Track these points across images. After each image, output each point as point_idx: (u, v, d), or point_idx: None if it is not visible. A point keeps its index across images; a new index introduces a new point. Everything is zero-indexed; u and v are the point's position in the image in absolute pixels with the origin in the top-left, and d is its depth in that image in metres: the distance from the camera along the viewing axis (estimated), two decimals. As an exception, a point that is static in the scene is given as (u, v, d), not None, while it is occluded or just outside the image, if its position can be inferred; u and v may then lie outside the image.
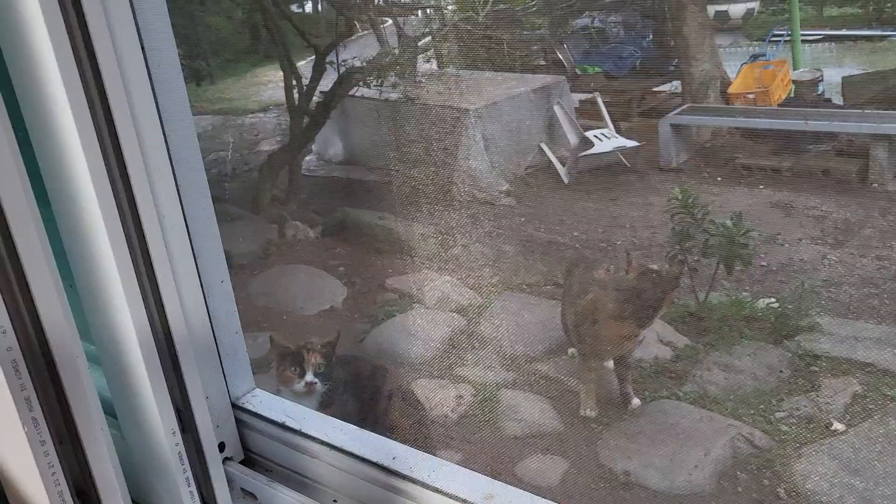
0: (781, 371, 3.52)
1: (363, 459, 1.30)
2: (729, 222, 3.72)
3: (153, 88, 1.19)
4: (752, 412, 3.25)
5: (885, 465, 2.82)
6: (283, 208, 4.78)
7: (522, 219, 6.14)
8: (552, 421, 3.26)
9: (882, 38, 14.86)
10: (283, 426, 1.40)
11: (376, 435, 1.38)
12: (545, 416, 3.28)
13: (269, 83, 10.90)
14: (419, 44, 7.20)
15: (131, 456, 1.29)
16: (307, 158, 6.61)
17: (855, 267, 4.79)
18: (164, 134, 1.21)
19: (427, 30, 7.52)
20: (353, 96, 6.20)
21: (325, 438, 1.35)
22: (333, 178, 7.18)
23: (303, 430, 1.38)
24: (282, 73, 6.32)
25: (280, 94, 9.47)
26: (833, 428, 3.10)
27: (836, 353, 3.59)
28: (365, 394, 2.89)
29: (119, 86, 1.10)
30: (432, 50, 7.40)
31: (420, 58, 7.35)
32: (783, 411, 3.24)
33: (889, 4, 16.35)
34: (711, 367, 3.59)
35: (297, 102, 5.56)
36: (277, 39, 5.54)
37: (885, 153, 6.33)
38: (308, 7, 11.83)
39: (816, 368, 3.48)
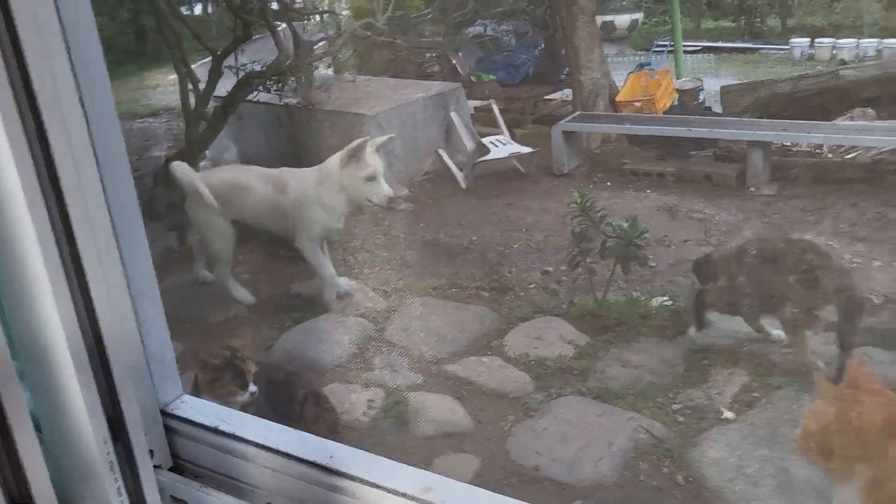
0: (677, 365, 3.71)
1: (300, 459, 1.31)
2: (625, 224, 3.88)
3: (80, 92, 1.17)
4: (650, 405, 3.41)
5: (771, 449, 3.03)
6: (182, 215, 4.66)
7: (422, 224, 6.20)
8: (463, 420, 3.32)
9: (753, 50, 15.84)
10: (215, 430, 1.39)
11: (313, 435, 1.39)
12: (456, 416, 3.34)
13: (157, 87, 10.57)
14: (316, 49, 7.16)
15: (58, 467, 1.26)
16: (201, 164, 6.46)
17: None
18: (90, 136, 1.19)
19: (323, 35, 7.49)
20: (250, 101, 6.10)
21: (260, 441, 1.35)
22: (230, 185, 7.05)
23: (237, 434, 1.37)
24: (171, 77, 6.14)
25: (170, 98, 9.21)
26: (724, 417, 3.30)
27: (725, 346, 3.80)
28: (279, 400, 2.87)
29: (49, 87, 1.08)
30: (330, 56, 7.37)
31: (320, 63, 7.32)
32: (679, 403, 3.42)
33: (758, 20, 17.42)
34: (612, 364, 3.74)
35: (193, 107, 5.42)
36: (172, 42, 5.38)
37: (760, 158, 6.73)
38: (197, 9, 11.55)
39: (708, 362, 3.69)
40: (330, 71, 7.76)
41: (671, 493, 2.89)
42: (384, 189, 4.22)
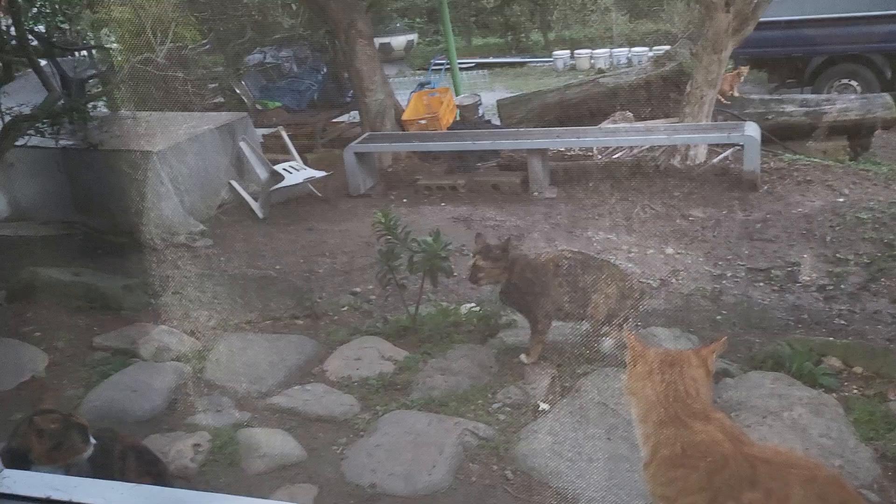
0: (491, 366, 3.90)
1: (151, 514, 1.29)
2: (429, 239, 4.02)
3: None
4: (473, 408, 3.55)
5: (584, 431, 3.28)
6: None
7: (223, 258, 6.05)
8: (295, 451, 3.29)
9: (521, 64, 16.90)
10: (46, 502, 1.33)
11: (159, 487, 1.37)
12: (287, 448, 3.30)
13: None
14: (89, 86, 6.77)
15: None
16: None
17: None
18: None
19: (94, 71, 7.09)
20: (20, 146, 5.63)
21: (101, 503, 1.31)
22: (2, 237, 6.47)
23: (72, 500, 1.32)
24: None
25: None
26: (540, 409, 3.52)
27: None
28: (94, 461, 2.71)
29: None
30: (107, 93, 6.99)
31: (98, 102, 6.91)
32: (498, 402, 3.60)
33: (523, 35, 18.63)
34: (432, 374, 3.86)
35: (-47, 158, 4.92)
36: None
37: (539, 165, 7.20)
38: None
39: (519, 360, 3.91)
40: (107, 109, 7.35)
41: (503, 489, 3.04)
42: None
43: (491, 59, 16.94)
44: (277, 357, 4.08)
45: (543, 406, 3.54)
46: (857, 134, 8.13)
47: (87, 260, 5.75)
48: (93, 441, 2.64)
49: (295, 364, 4.06)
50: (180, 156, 6.69)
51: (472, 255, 3.89)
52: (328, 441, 3.40)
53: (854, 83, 9.96)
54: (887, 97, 8.22)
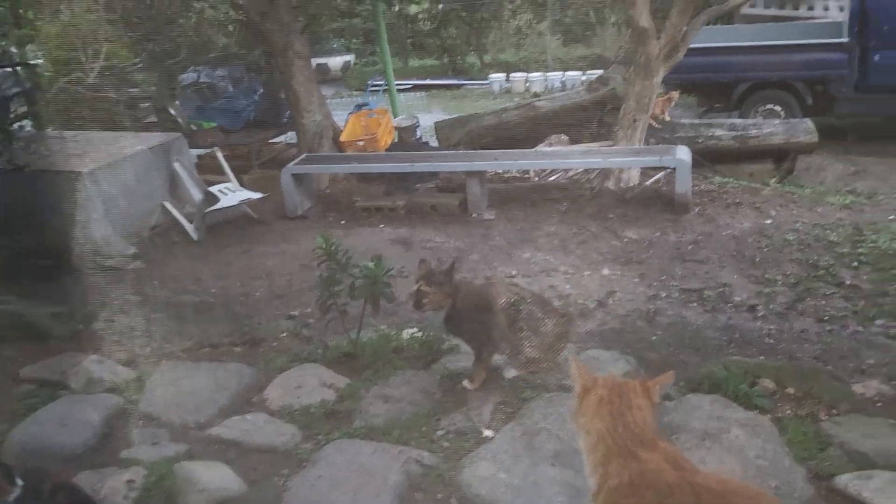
0: (434, 393, 3.88)
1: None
2: (371, 264, 3.99)
3: None
4: (416, 435, 3.52)
5: (529, 457, 3.28)
6: None
7: (156, 282, 5.90)
8: (235, 484, 3.20)
9: (458, 86, 17.04)
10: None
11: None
12: (226, 481, 3.20)
13: None
14: (14, 104, 6.55)
15: None
16: None
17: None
18: None
19: (19, 89, 6.87)
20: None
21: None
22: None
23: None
24: None
25: None
26: (484, 435, 3.52)
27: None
28: (22, 501, 2.60)
29: None
30: (32, 113, 6.77)
31: (25, 121, 6.69)
32: (442, 429, 3.57)
33: (459, 57, 18.80)
34: (374, 401, 3.81)
35: None
36: None
37: (477, 187, 7.25)
38: None
39: (462, 386, 3.90)
40: (33, 127, 7.11)
41: (448, 517, 3.02)
42: None
43: (428, 81, 17.03)
44: (216, 386, 3.97)
45: (487, 432, 3.53)
46: (782, 157, 8.45)
47: (12, 286, 5.54)
48: (19, 482, 2.52)
49: (234, 393, 3.96)
50: (111, 176, 6.53)
51: (416, 280, 3.86)
52: (270, 473, 3.32)
53: (778, 108, 10.36)
54: (809, 122, 8.57)
